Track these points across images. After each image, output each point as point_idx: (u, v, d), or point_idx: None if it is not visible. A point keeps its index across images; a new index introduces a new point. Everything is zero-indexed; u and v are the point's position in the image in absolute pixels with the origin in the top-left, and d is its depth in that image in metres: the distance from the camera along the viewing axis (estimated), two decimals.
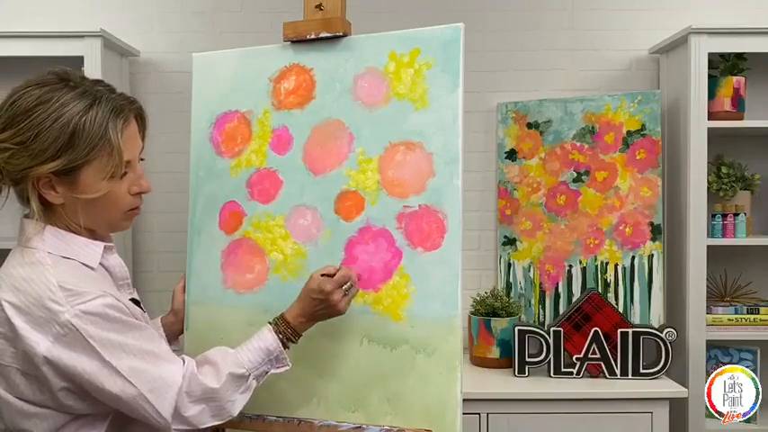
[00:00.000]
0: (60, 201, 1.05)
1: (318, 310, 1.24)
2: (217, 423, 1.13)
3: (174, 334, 1.46)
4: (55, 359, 0.99)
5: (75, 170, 1.02)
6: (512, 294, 2.25)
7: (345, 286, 1.25)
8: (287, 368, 1.23)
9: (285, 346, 1.22)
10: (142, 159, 1.15)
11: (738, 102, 2.08)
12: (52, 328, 0.99)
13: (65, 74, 1.06)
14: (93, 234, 1.12)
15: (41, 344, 0.99)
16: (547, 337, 1.97)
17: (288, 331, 1.22)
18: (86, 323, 0.99)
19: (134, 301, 1.16)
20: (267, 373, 1.20)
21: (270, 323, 1.24)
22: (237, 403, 1.14)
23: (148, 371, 1.05)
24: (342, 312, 1.26)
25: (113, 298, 1.05)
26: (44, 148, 1.00)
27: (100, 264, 1.10)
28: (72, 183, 1.04)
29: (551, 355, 1.97)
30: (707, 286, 2.04)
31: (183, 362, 1.12)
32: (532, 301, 2.24)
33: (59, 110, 1.00)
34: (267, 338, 1.20)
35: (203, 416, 1.10)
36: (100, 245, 1.11)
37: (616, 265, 2.15)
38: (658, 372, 1.94)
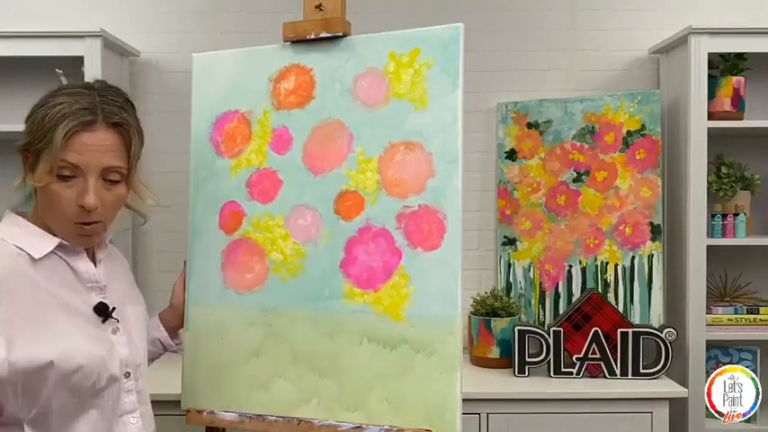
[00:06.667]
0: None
1: None
2: None
3: (172, 329, 1.46)
4: None
5: (36, 154, 1.07)
6: (512, 294, 2.25)
7: None
8: None
9: None
10: (114, 181, 1.10)
11: (738, 102, 2.08)
12: None
13: (92, 84, 1.14)
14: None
15: None
16: (547, 337, 1.97)
17: None
18: None
19: (101, 304, 1.13)
20: None
21: None
22: None
23: None
24: None
25: (6, 271, 1.04)
26: (26, 127, 1.10)
27: (69, 266, 1.11)
28: (34, 167, 1.08)
29: (551, 355, 1.97)
30: (707, 286, 2.04)
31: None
32: (532, 301, 2.24)
33: (46, 99, 1.09)
34: None
35: None
36: (54, 240, 1.10)
37: (616, 265, 2.15)
38: (658, 372, 1.94)
